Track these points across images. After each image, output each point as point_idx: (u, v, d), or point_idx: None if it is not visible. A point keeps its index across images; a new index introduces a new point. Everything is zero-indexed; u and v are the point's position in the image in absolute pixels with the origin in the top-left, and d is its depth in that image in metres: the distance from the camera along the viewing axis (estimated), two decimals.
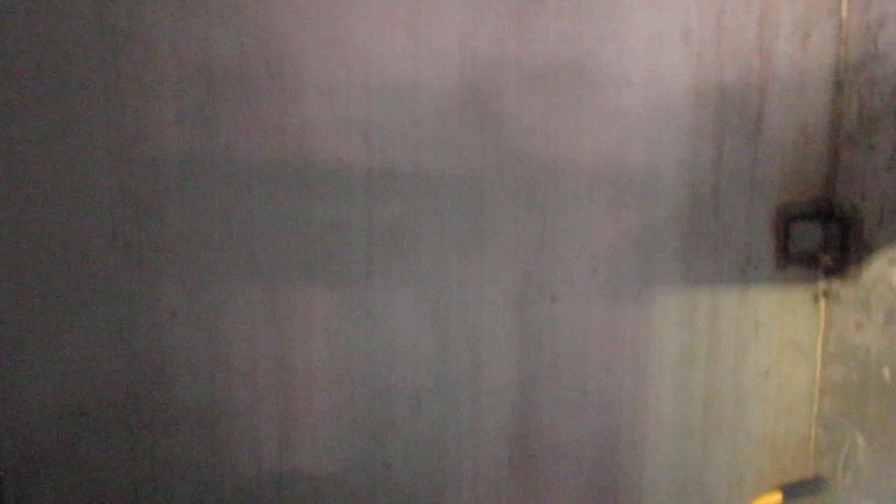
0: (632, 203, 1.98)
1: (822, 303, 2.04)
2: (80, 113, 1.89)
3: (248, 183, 1.94)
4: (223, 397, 2.01)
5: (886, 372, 1.83)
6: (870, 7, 1.88)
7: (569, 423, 2.06)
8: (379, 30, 1.92)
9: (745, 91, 1.97)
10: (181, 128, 1.92)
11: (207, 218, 1.95)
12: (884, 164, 1.81)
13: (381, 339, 2.01)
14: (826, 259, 2.01)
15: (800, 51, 1.96)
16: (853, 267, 1.94)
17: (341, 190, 1.96)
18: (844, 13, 1.95)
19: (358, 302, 2.00)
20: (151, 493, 2.03)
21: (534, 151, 1.96)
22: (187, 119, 1.92)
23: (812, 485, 1.94)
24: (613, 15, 1.94)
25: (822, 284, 2.03)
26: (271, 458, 2.04)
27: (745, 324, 2.04)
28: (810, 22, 1.96)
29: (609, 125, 1.96)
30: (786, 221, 2.01)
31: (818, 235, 2.01)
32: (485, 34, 1.94)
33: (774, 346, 2.05)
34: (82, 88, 1.89)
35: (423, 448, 2.05)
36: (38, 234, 1.92)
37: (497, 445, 2.06)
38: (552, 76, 1.95)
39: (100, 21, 1.87)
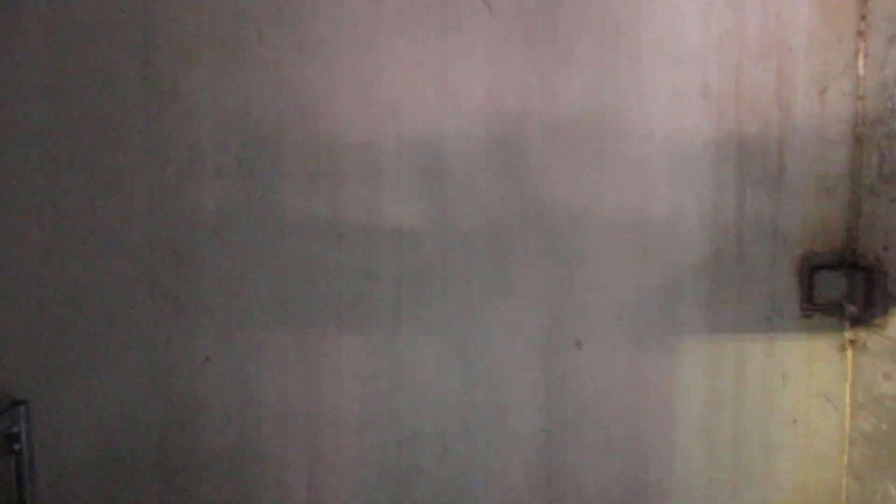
0: (655, 252, 2.02)
1: (849, 352, 2.04)
2: (124, 167, 1.99)
3: (282, 233, 2.01)
4: (254, 441, 2.05)
5: None
6: (886, 65, 1.94)
7: (595, 470, 2.07)
8: (409, 86, 2.00)
9: (765, 144, 2.02)
10: (219, 180, 2.00)
11: (242, 267, 2.01)
12: None
13: (409, 385, 2.05)
14: (851, 309, 2.03)
15: (818, 105, 2.01)
16: (879, 317, 1.95)
17: (371, 239, 2.02)
18: (861, 70, 2.01)
19: (386, 348, 2.04)
20: None
21: (558, 201, 2.02)
22: (225, 172, 2.00)
23: None
24: (635, 71, 2.01)
25: (848, 334, 2.04)
26: (300, 502, 2.06)
27: (772, 372, 2.05)
28: (828, 78, 2.01)
29: (631, 177, 2.01)
30: (810, 271, 2.03)
31: (843, 285, 2.03)
32: (510, 89, 2.01)
33: (802, 394, 2.05)
34: (127, 144, 1.99)
35: (450, 493, 2.06)
36: (79, 283, 2.00)
37: (523, 491, 2.07)
38: (576, 130, 2.01)
39: (145, 81, 1.98)
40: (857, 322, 2.02)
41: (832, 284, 2.03)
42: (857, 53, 2.01)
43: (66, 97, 1.97)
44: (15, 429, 1.94)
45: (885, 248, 1.91)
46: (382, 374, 2.05)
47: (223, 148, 2.00)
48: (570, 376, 2.04)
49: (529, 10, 2.01)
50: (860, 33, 2.01)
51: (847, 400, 2.05)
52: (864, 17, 2.01)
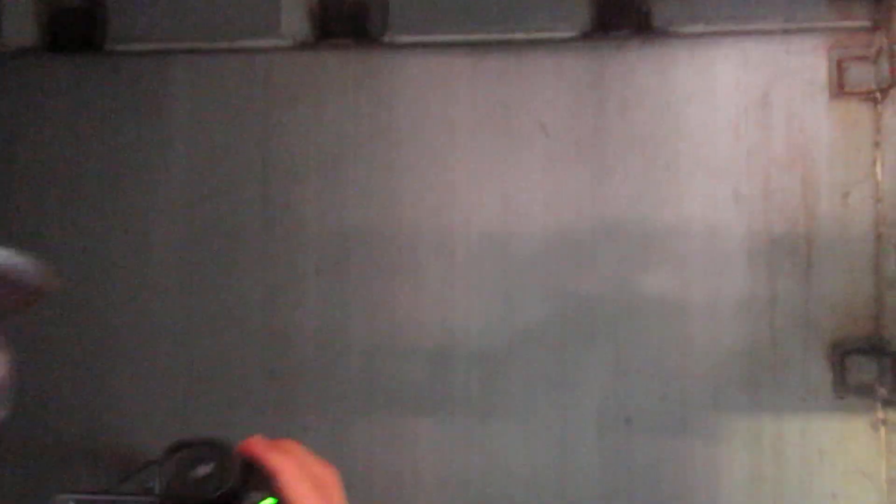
0: (695, 338, 2.27)
1: (883, 431, 2.22)
2: (240, 268, 2.40)
3: (370, 322, 2.37)
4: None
5: None
6: None
7: None
8: (478, 199, 2.37)
9: (793, 242, 2.27)
10: (319, 278, 2.39)
11: (336, 350, 2.37)
12: None
13: (480, 455, 2.33)
14: (882, 391, 2.22)
15: (841, 208, 2.26)
16: None
17: (446, 328, 2.35)
18: (879, 176, 2.26)
19: (459, 424, 2.34)
20: None
21: (608, 293, 2.31)
22: (323, 271, 2.39)
23: None
24: (672, 181, 2.32)
25: (880, 413, 2.22)
26: None
27: (809, 450, 2.24)
28: (849, 183, 2.27)
29: (671, 272, 2.29)
30: (841, 356, 2.24)
31: (873, 369, 2.23)
32: (564, 199, 2.35)
33: (839, 471, 2.23)
34: (243, 248, 2.41)
35: None
36: (207, 362, 2.39)
37: None
38: (622, 232, 2.32)
39: (262, 198, 2.41)
40: (888, 403, 2.21)
41: (863, 368, 2.23)
42: (874, 162, 2.27)
43: (200, 212, 2.42)
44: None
45: None
46: (456, 444, 2.34)
47: (322, 251, 2.39)
48: (621, 449, 2.28)
49: (580, 133, 2.36)
50: (877, 144, 2.27)
51: (884, 476, 2.21)
52: (879, 131, 2.27)
